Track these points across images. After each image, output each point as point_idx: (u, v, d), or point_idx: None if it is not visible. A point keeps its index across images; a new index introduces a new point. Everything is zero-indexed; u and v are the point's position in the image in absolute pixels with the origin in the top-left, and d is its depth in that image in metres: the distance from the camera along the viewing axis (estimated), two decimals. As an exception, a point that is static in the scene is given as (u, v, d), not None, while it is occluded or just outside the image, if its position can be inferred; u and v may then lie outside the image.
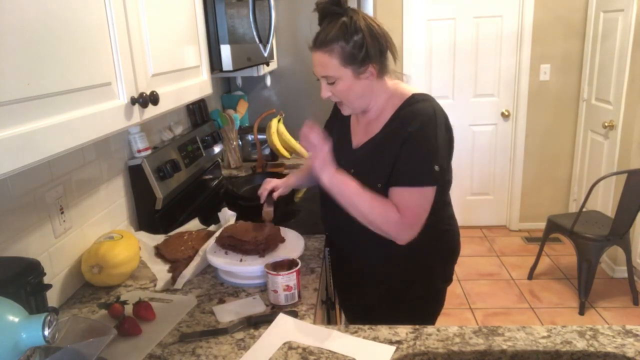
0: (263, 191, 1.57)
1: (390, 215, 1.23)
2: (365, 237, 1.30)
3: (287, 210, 1.90)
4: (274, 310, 1.18)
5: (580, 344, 0.99)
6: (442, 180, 1.26)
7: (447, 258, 1.46)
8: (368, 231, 1.28)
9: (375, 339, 1.04)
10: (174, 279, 1.34)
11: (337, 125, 1.48)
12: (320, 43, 1.22)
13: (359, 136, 1.39)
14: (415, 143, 1.23)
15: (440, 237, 1.41)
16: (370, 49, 1.21)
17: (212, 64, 1.53)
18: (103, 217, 1.48)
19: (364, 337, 1.05)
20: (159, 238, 1.58)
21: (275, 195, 1.57)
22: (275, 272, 1.17)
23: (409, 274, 1.40)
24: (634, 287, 2.98)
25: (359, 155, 1.35)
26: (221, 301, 1.23)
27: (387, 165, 1.26)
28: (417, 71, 3.78)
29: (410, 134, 1.23)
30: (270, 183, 1.59)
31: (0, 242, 1.07)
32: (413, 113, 1.25)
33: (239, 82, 2.78)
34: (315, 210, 1.91)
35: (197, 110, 2.25)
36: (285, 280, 1.17)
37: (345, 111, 1.34)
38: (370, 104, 1.32)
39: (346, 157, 1.36)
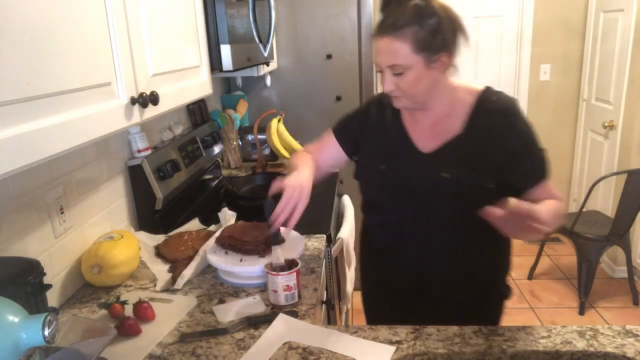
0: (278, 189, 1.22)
1: (559, 205, 1.16)
2: (453, 260, 1.25)
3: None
4: (274, 310, 1.18)
5: (580, 344, 0.99)
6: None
7: (507, 270, 1.36)
8: (456, 254, 1.23)
9: (375, 339, 1.04)
10: (174, 279, 1.34)
11: (375, 128, 1.30)
12: (388, 28, 1.07)
13: (426, 138, 1.21)
14: (529, 135, 1.15)
15: (507, 248, 1.33)
16: (447, 34, 1.08)
17: (212, 64, 1.53)
18: (103, 217, 1.48)
19: (364, 337, 1.05)
20: (159, 238, 1.58)
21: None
22: (275, 272, 1.17)
23: (483, 290, 1.30)
24: (634, 287, 2.98)
25: (447, 159, 1.18)
26: (221, 301, 1.23)
27: (496, 165, 1.14)
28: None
29: (517, 130, 1.15)
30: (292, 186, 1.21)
31: (0, 242, 1.07)
32: (504, 107, 1.16)
33: (239, 82, 2.79)
34: (315, 210, 1.91)
35: (197, 110, 2.25)
36: (285, 281, 1.17)
37: (400, 103, 1.17)
38: (433, 100, 1.17)
39: (418, 164, 1.21)
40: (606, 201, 3.30)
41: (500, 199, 1.07)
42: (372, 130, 1.31)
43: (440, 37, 1.07)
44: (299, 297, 1.21)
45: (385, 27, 1.08)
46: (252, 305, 1.21)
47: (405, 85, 1.11)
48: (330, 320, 1.71)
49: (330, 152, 1.41)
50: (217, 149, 2.29)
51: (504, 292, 1.35)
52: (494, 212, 0.99)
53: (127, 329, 1.08)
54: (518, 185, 1.18)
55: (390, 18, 1.08)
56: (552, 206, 1.11)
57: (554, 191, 1.19)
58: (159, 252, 1.49)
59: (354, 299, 1.89)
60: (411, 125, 1.25)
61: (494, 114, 1.15)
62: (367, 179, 1.32)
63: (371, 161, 1.29)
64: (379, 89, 3.04)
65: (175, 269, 1.38)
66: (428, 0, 1.07)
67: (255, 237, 1.34)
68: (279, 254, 1.22)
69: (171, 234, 1.62)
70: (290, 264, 1.22)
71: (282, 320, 1.12)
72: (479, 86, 1.20)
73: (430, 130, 1.21)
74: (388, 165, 1.24)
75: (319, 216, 1.82)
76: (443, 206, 1.19)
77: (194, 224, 1.71)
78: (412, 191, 1.22)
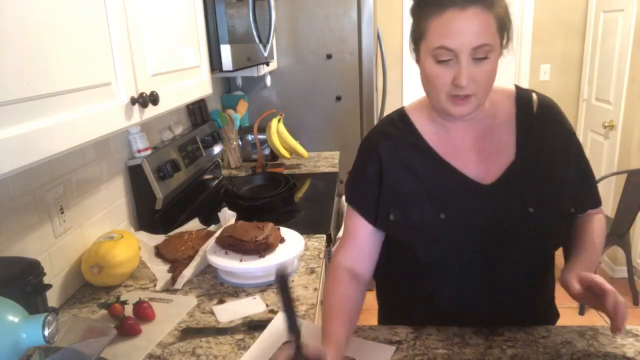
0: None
1: (602, 217, 1.05)
2: (524, 298, 1.04)
3: (287, 210, 1.90)
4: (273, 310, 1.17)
5: (580, 344, 0.99)
6: None
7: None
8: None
9: (375, 339, 1.04)
10: (174, 279, 1.34)
11: (400, 171, 0.99)
12: None
13: (475, 165, 0.96)
14: (579, 144, 0.99)
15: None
16: (510, 20, 0.89)
17: (212, 64, 1.53)
18: (103, 217, 1.48)
19: (364, 337, 1.05)
20: (159, 238, 1.58)
21: None
22: None
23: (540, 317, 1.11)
24: (634, 287, 2.98)
25: (520, 189, 0.94)
26: (221, 301, 1.23)
27: (567, 182, 0.96)
28: (417, 71, 3.77)
29: (570, 134, 0.98)
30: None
31: (0, 242, 1.07)
32: (547, 105, 0.99)
33: (239, 82, 2.79)
34: (315, 210, 1.91)
35: (197, 110, 2.26)
36: None
37: (465, 108, 0.89)
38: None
39: (483, 201, 0.94)
40: (606, 201, 3.30)
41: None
42: (397, 176, 0.99)
43: (510, 21, 0.88)
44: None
45: None
46: (252, 305, 1.21)
47: (485, 76, 0.86)
48: (330, 320, 1.71)
49: (369, 244, 1.04)
50: (217, 149, 2.29)
51: (555, 315, 1.17)
52: (574, 288, 0.86)
53: (127, 329, 1.08)
54: (579, 205, 1.01)
55: None
56: (589, 247, 0.98)
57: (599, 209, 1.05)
58: (159, 252, 1.49)
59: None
60: (446, 151, 0.98)
61: (544, 120, 0.97)
62: (420, 239, 0.98)
63: (420, 214, 0.97)
64: (379, 89, 3.04)
65: (175, 269, 1.38)
66: None
67: (255, 237, 1.34)
68: None
69: (171, 234, 1.62)
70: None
71: (282, 320, 1.12)
72: (508, 86, 1.03)
73: (475, 152, 0.97)
74: (448, 211, 0.95)
75: (319, 216, 1.82)
76: (523, 247, 0.96)
77: (194, 224, 1.71)
78: (484, 238, 0.95)
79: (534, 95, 1.01)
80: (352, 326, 0.95)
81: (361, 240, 1.03)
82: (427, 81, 0.92)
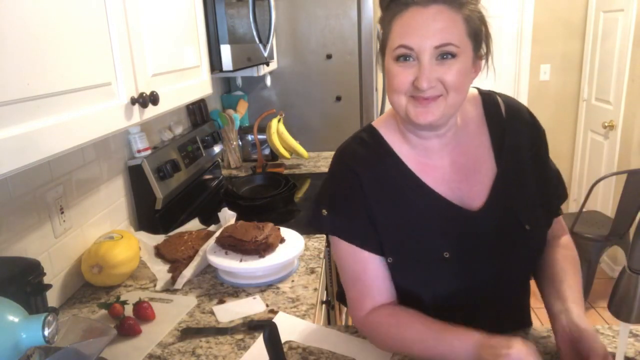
0: None
1: (572, 246, 0.97)
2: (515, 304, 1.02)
3: (287, 210, 1.90)
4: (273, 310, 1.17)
5: (580, 344, 0.99)
6: None
7: None
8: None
9: (375, 339, 1.04)
10: (174, 279, 1.34)
11: (389, 203, 0.90)
12: None
13: (458, 189, 0.90)
14: (545, 139, 0.94)
15: None
16: (485, 27, 0.85)
17: (212, 64, 1.53)
18: (103, 217, 1.48)
19: (364, 337, 1.05)
20: (159, 238, 1.58)
21: None
22: None
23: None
24: (634, 287, 2.98)
25: (511, 205, 0.90)
26: (221, 301, 1.23)
27: (533, 194, 0.92)
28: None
29: (541, 132, 0.93)
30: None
31: (0, 242, 1.07)
32: (519, 109, 0.94)
33: (239, 82, 2.79)
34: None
35: (197, 110, 2.26)
36: None
37: (437, 111, 0.82)
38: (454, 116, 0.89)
39: (477, 228, 0.89)
40: (606, 201, 3.30)
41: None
42: (387, 209, 0.90)
43: (484, 30, 0.85)
44: None
45: None
46: (252, 305, 1.21)
47: (453, 77, 0.80)
48: (330, 320, 1.71)
49: (384, 273, 0.92)
50: (217, 149, 2.29)
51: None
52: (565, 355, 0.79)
53: (127, 329, 1.08)
54: (554, 207, 0.97)
55: None
56: (568, 284, 0.88)
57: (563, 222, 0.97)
58: (159, 252, 1.49)
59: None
60: (426, 175, 0.91)
61: (513, 124, 0.92)
62: (425, 280, 0.91)
63: (423, 254, 0.90)
64: (379, 89, 3.04)
65: (175, 269, 1.38)
66: None
67: (255, 237, 1.34)
68: None
69: (171, 234, 1.62)
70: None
71: (282, 320, 1.12)
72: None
73: (456, 173, 0.91)
74: (450, 249, 0.88)
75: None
76: (521, 263, 0.94)
77: (194, 224, 1.71)
78: (483, 266, 0.90)
79: (499, 98, 0.96)
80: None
81: (374, 274, 0.90)
82: (387, 85, 0.86)
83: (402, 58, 0.81)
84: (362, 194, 0.90)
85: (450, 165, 0.91)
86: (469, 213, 0.89)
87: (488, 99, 0.96)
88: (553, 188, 0.96)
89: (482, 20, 0.84)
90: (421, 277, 0.90)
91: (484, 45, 0.86)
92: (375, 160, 0.92)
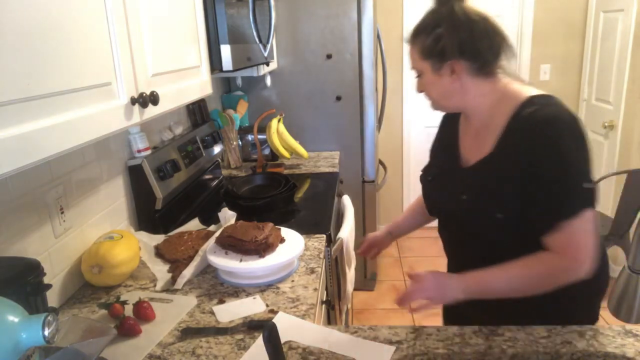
0: (364, 249, 1.51)
1: (554, 264, 1.02)
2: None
3: (287, 210, 1.90)
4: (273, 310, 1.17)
5: (580, 344, 0.99)
6: (594, 198, 1.02)
7: (590, 297, 1.16)
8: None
9: (375, 339, 1.04)
10: (174, 279, 1.34)
11: (444, 132, 1.31)
12: (410, 35, 1.16)
13: (469, 149, 1.19)
14: (551, 163, 1.01)
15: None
16: (449, 44, 1.06)
17: (212, 64, 1.53)
18: (103, 217, 1.48)
19: (364, 337, 1.05)
20: (159, 238, 1.58)
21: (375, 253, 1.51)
22: None
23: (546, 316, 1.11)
24: (634, 287, 2.98)
25: (471, 179, 1.14)
26: (221, 301, 1.23)
27: (510, 195, 1.05)
28: (417, 71, 3.77)
29: (538, 152, 1.01)
30: (370, 238, 1.50)
31: (0, 242, 1.07)
32: (535, 123, 1.02)
33: (239, 82, 2.79)
34: (315, 210, 1.91)
35: (197, 110, 2.26)
36: None
37: (432, 106, 1.20)
38: (465, 106, 1.15)
39: (454, 180, 1.19)
40: (606, 201, 3.30)
41: (520, 232, 1.05)
42: (441, 139, 1.34)
43: (440, 46, 1.07)
44: None
45: (409, 35, 1.16)
46: (252, 305, 1.21)
47: (424, 87, 1.16)
48: (330, 320, 1.71)
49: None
50: (217, 149, 2.29)
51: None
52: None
53: (127, 329, 1.08)
54: (537, 223, 1.04)
55: (414, 27, 1.15)
56: (501, 273, 1.05)
57: (563, 241, 1.01)
58: (159, 252, 1.49)
59: (354, 299, 1.89)
60: (464, 129, 1.24)
61: (525, 130, 1.03)
62: (422, 189, 1.35)
63: (426, 171, 1.32)
64: (379, 89, 3.04)
65: (175, 269, 1.38)
66: (455, 8, 1.07)
67: (255, 237, 1.34)
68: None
69: (171, 234, 1.62)
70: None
71: (282, 320, 1.12)
72: (526, 94, 1.09)
73: (474, 141, 1.18)
74: (434, 177, 1.27)
75: (319, 216, 1.82)
76: (465, 228, 1.18)
77: (194, 224, 1.71)
78: (442, 207, 1.26)
79: (538, 107, 1.04)
80: (413, 220, 1.48)
81: None
82: None
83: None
84: (442, 129, 1.35)
85: (474, 136, 1.19)
86: (457, 166, 1.21)
87: (526, 103, 1.07)
88: (537, 215, 1.04)
89: (439, 38, 1.07)
90: (423, 191, 1.34)
91: (444, 53, 1.08)
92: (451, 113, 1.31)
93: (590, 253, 1.00)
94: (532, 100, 1.06)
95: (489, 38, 1.09)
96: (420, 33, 1.11)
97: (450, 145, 1.25)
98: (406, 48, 1.18)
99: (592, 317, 1.17)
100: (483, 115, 1.14)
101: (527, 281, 1.04)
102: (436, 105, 1.19)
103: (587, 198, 1.00)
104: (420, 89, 1.19)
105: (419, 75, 1.16)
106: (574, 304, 1.13)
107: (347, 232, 1.81)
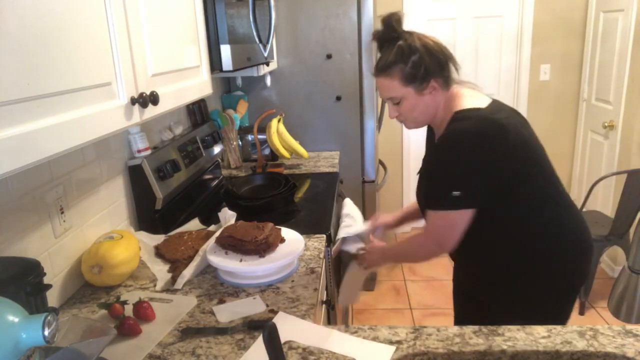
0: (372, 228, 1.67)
1: (420, 241, 1.38)
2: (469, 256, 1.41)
3: (287, 210, 1.90)
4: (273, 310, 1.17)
5: (580, 344, 0.99)
6: (467, 204, 1.23)
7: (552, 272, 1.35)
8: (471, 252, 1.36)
9: (375, 339, 1.04)
10: (174, 279, 1.34)
11: (428, 136, 1.51)
12: (381, 69, 1.30)
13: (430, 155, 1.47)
14: (437, 166, 1.29)
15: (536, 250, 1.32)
16: (429, 65, 1.26)
17: (212, 64, 1.53)
18: (103, 217, 1.48)
19: (364, 337, 1.05)
20: (159, 238, 1.58)
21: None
22: None
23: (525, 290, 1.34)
24: (634, 287, 2.98)
25: (420, 182, 1.42)
26: (221, 301, 1.23)
27: (425, 180, 1.38)
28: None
29: (435, 155, 1.33)
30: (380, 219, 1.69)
31: (0, 242, 1.07)
32: (446, 133, 1.25)
33: (239, 82, 2.79)
34: (315, 210, 1.91)
35: (197, 110, 2.25)
36: None
37: (409, 126, 1.39)
38: (434, 118, 1.35)
39: (421, 182, 1.44)
40: (606, 201, 3.30)
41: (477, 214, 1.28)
42: (426, 142, 1.54)
43: (423, 68, 1.26)
44: None
45: (379, 69, 1.31)
46: (252, 305, 1.21)
47: (405, 111, 1.33)
48: (330, 320, 1.71)
49: None
50: (217, 149, 2.29)
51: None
52: None
53: (127, 329, 1.08)
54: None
55: (382, 60, 1.30)
56: (395, 247, 1.58)
57: (428, 222, 1.31)
58: (159, 252, 1.49)
59: (354, 299, 1.90)
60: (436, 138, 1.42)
61: (440, 138, 1.29)
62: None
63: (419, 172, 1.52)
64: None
65: (175, 269, 1.38)
66: (409, 40, 1.27)
67: (255, 237, 1.34)
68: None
69: (171, 234, 1.62)
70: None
71: (282, 320, 1.12)
72: (457, 108, 1.27)
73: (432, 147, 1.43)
74: (418, 179, 1.46)
75: (319, 216, 1.82)
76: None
77: (194, 224, 1.71)
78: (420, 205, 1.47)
79: (449, 127, 1.26)
80: (408, 216, 1.68)
81: None
82: None
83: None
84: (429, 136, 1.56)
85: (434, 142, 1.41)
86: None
87: (453, 116, 1.27)
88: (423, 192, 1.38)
89: (419, 63, 1.26)
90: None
91: (429, 74, 1.27)
92: None
93: (445, 244, 1.29)
94: (457, 115, 1.25)
95: (442, 54, 1.29)
96: (395, 64, 1.27)
97: (426, 149, 1.49)
98: (382, 81, 1.31)
99: (563, 306, 1.37)
100: (440, 123, 1.34)
101: (408, 252, 1.48)
102: (415, 124, 1.37)
103: (454, 203, 1.23)
104: (394, 115, 1.35)
105: (398, 103, 1.31)
106: (551, 287, 1.34)
107: (354, 232, 1.74)
